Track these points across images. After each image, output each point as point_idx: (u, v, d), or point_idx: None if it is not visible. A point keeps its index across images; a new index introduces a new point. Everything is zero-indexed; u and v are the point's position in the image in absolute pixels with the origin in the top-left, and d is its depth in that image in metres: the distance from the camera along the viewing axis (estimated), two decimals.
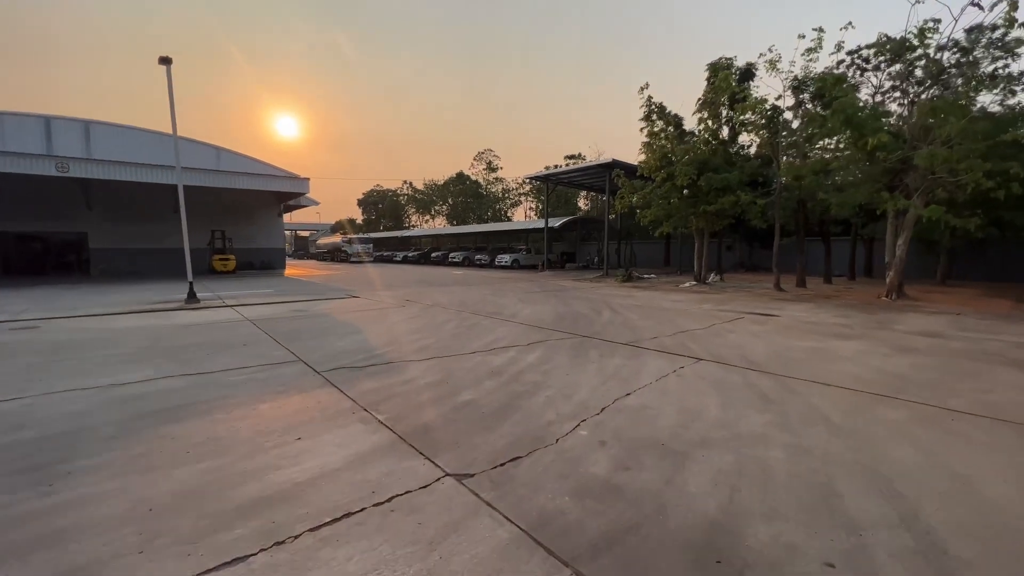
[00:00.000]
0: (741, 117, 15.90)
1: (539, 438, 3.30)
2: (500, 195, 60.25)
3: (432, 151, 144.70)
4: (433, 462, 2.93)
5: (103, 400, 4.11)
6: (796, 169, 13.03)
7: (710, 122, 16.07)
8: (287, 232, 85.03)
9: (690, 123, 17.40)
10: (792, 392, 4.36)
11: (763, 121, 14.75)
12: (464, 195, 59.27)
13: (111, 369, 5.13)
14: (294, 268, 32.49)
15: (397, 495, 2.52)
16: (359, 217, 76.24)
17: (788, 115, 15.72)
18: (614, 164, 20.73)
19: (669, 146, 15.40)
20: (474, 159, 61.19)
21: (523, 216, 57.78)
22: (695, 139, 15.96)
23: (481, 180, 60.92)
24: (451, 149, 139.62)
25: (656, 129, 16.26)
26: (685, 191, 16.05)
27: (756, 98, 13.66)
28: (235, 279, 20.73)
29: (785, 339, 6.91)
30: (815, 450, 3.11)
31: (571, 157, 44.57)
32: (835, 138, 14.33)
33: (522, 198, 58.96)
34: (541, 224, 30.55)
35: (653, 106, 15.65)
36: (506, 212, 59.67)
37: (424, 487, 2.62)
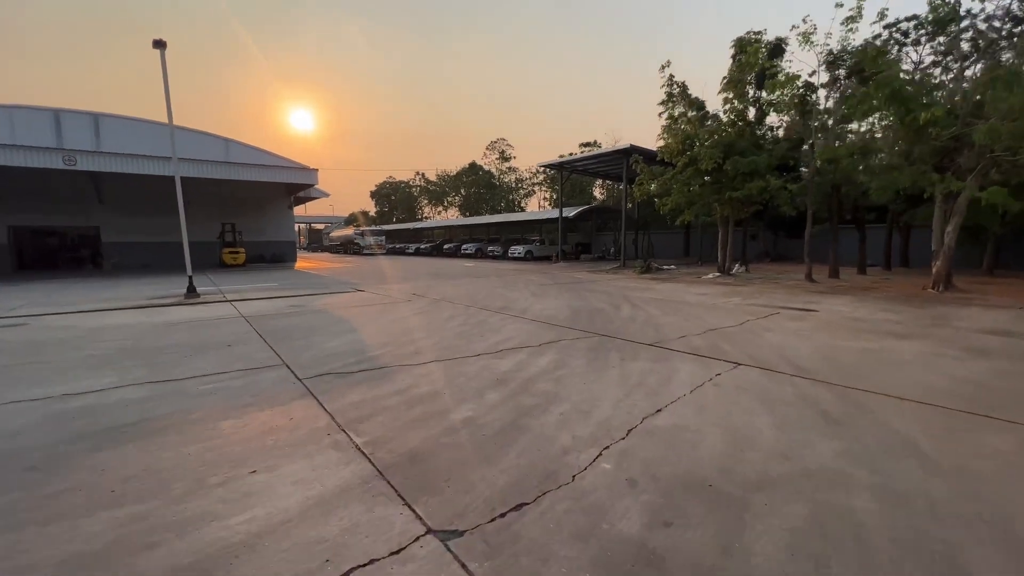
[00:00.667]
0: (769, 97, 14.86)
1: (551, 473, 2.62)
2: (513, 185, 59.28)
3: (446, 143, 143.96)
4: (413, 510, 2.27)
5: (46, 415, 3.55)
6: (833, 151, 11.98)
7: (736, 102, 15.00)
8: (302, 225, 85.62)
9: (712, 105, 16.37)
10: (860, 408, 3.59)
11: (795, 100, 13.69)
12: (477, 186, 58.46)
13: (73, 375, 4.60)
14: (306, 261, 32.27)
15: (357, 567, 1.87)
16: (372, 209, 76.13)
17: (821, 94, 14.59)
18: (632, 150, 19.76)
19: (692, 128, 14.40)
20: (487, 148, 60.29)
21: (537, 206, 56.78)
22: (720, 122, 14.92)
23: (494, 170, 60.01)
24: (465, 140, 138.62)
25: (677, 112, 15.27)
26: (708, 177, 15.07)
27: (788, 74, 12.59)
28: (243, 272, 20.43)
29: (831, 338, 6.09)
30: (915, 497, 2.37)
31: (586, 145, 43.39)
32: (874, 117, 13.26)
33: (536, 188, 57.87)
34: (555, 214, 29.67)
35: (675, 85, 14.65)
36: (519, 203, 58.74)
37: (396, 553, 1.96)
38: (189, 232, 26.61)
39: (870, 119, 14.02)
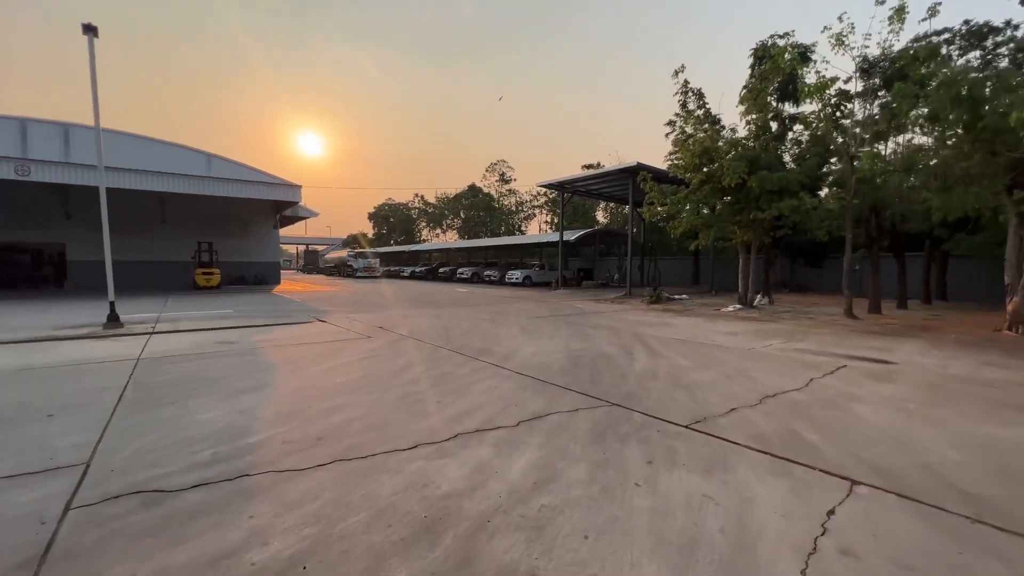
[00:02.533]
0: (794, 110, 13.20)
1: None
2: (513, 208, 57.83)
3: (448, 166, 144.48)
4: None
5: None
6: (882, 166, 10.16)
7: (756, 114, 13.29)
8: (300, 246, 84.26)
9: (727, 120, 14.73)
10: None
11: (827, 110, 11.99)
12: (476, 208, 57.05)
13: None
14: (292, 283, 30.46)
15: None
16: (370, 231, 74.82)
17: (856, 104, 12.91)
18: (639, 168, 18.05)
19: (710, 140, 12.65)
20: (486, 170, 58.97)
21: (537, 230, 55.16)
22: (742, 136, 13.19)
23: (494, 192, 58.68)
24: (467, 164, 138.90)
25: (692, 123, 13.55)
26: (727, 196, 13.28)
27: (823, 78, 10.90)
28: (211, 296, 18.52)
29: (961, 417, 4.07)
30: None
31: (589, 166, 41.97)
32: (918, 128, 11.52)
33: (536, 211, 56.36)
34: (556, 237, 27.91)
35: (690, 92, 13.00)
36: (519, 226, 57.20)
37: None
38: (165, 251, 24.88)
39: (911, 130, 12.34)
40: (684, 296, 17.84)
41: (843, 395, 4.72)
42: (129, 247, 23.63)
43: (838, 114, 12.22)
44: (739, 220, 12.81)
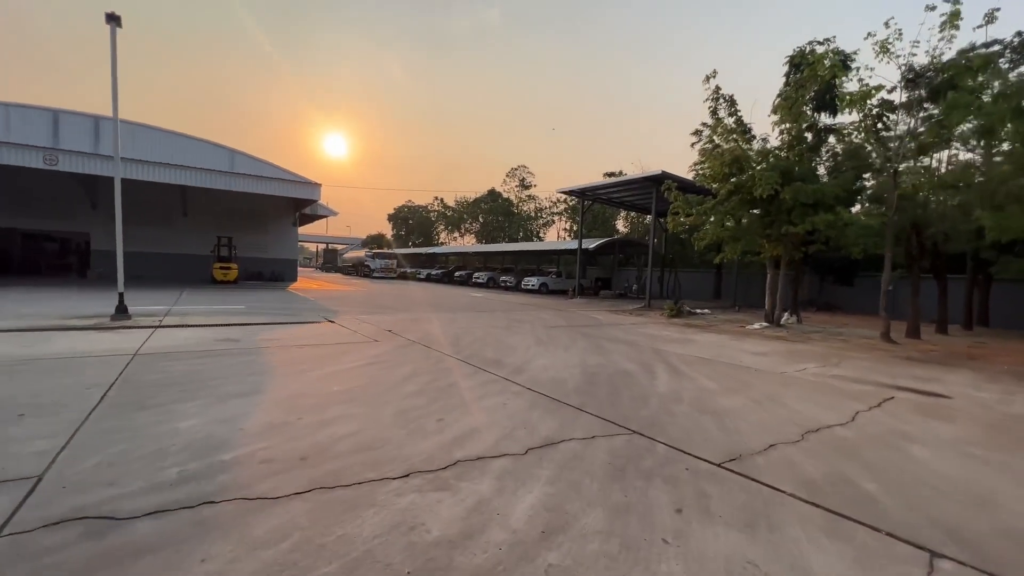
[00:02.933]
0: (830, 121, 12.55)
1: None
2: (532, 214, 57.42)
3: (467, 171, 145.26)
4: None
5: None
6: (927, 181, 9.47)
7: (789, 123, 12.64)
8: (321, 245, 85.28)
9: (760, 128, 14.11)
10: None
11: (869, 121, 11.31)
12: (495, 213, 56.84)
13: None
14: (309, 281, 30.57)
15: None
16: (389, 232, 75.31)
17: (898, 115, 12.19)
18: (663, 176, 17.52)
19: (740, 149, 12.07)
20: (507, 175, 58.71)
21: (555, 237, 54.62)
22: (774, 146, 12.56)
23: (513, 198, 58.42)
24: (486, 169, 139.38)
25: (720, 136, 12.93)
26: (756, 209, 12.66)
27: (866, 86, 10.26)
28: (230, 290, 18.55)
29: None
30: None
31: (610, 174, 41.39)
32: (968, 140, 10.79)
33: (555, 218, 55.84)
34: (574, 245, 27.41)
35: (721, 99, 12.45)
36: (537, 232, 56.77)
37: None
38: (185, 244, 25.17)
39: (953, 146, 11.57)
40: (706, 311, 17.17)
41: (896, 433, 4.16)
42: (150, 239, 23.98)
43: (880, 125, 11.51)
44: (769, 233, 12.17)
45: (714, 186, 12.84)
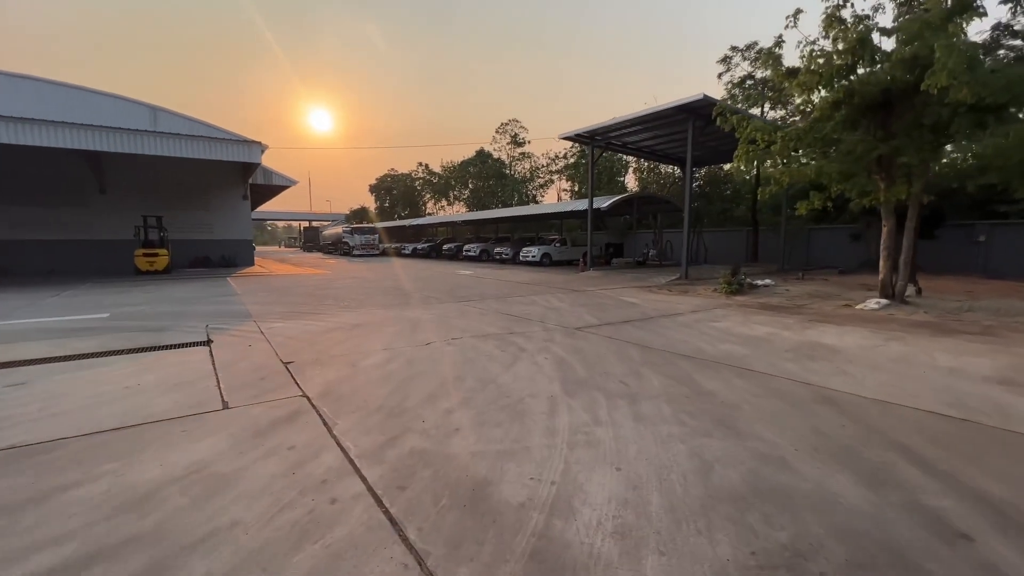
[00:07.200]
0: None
1: None
2: (527, 174, 52.06)
3: (455, 135, 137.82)
4: None
5: None
6: None
7: None
8: (303, 223, 79.48)
9: None
10: None
11: None
12: (485, 177, 51.52)
13: None
14: (275, 264, 26.21)
15: None
16: (372, 205, 70.05)
17: None
18: (706, 102, 13.00)
19: (856, 33, 7.58)
20: (496, 131, 52.45)
21: (555, 200, 49.56)
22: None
23: (505, 157, 52.85)
24: (476, 135, 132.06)
25: (832, 36, 8.33)
26: (879, 129, 8.33)
27: None
28: (149, 283, 14.28)
29: None
30: None
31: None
32: None
33: (553, 177, 50.58)
34: (582, 205, 22.95)
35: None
36: (533, 196, 51.66)
37: None
38: (106, 228, 20.49)
39: None
40: (767, 280, 13.03)
41: None
42: (61, 223, 19.41)
43: None
44: (905, 162, 7.86)
45: (808, 99, 8.45)
